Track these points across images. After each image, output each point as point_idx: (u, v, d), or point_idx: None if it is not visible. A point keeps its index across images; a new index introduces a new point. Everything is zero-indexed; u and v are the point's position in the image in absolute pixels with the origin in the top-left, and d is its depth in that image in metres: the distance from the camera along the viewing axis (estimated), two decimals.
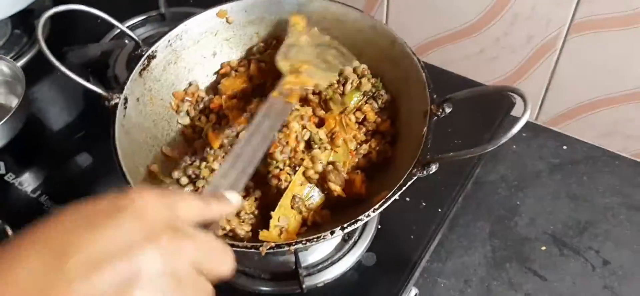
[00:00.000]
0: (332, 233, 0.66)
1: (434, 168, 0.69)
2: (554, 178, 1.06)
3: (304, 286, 0.80)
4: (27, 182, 0.98)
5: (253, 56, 0.93)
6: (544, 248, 0.97)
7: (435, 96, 0.77)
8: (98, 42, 1.15)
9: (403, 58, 0.84)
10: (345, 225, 0.66)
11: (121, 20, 1.18)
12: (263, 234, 0.72)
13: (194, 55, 0.91)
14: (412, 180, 0.69)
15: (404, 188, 0.69)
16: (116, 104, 0.78)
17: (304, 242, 0.65)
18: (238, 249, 0.66)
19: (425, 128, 0.74)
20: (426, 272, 0.94)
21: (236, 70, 0.92)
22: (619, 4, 0.93)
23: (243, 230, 0.75)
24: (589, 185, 1.04)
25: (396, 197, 0.68)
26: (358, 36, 0.89)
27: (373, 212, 0.67)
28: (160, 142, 0.85)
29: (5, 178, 0.98)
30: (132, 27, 1.20)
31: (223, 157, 0.78)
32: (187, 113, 0.88)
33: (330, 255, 0.85)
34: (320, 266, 0.84)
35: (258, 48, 0.93)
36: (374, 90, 0.88)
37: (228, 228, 0.75)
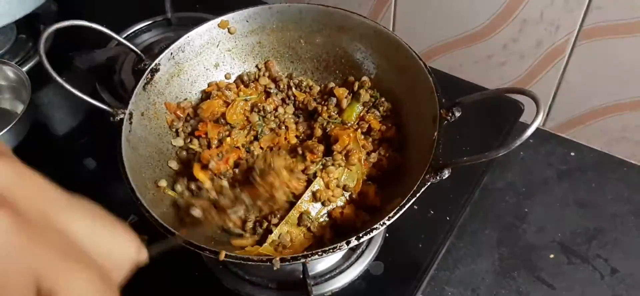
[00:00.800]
0: (348, 243, 0.65)
1: (446, 173, 0.69)
2: (562, 186, 1.05)
3: (311, 295, 0.79)
4: None
5: (243, 83, 0.92)
6: (552, 256, 0.96)
7: (444, 100, 0.76)
8: (105, 47, 1.15)
9: (409, 63, 0.83)
10: (360, 235, 0.66)
11: (127, 25, 1.19)
12: (262, 249, 0.72)
13: (197, 67, 0.91)
14: (426, 186, 0.69)
15: (418, 194, 0.68)
16: (121, 119, 0.77)
17: (319, 254, 0.65)
18: (251, 262, 0.66)
19: (435, 133, 0.73)
20: (433, 280, 0.93)
21: (221, 91, 0.90)
22: (628, 11, 0.92)
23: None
24: (597, 192, 1.03)
25: (410, 203, 0.68)
26: (362, 42, 0.89)
27: (388, 220, 0.67)
28: (166, 156, 0.84)
29: None
30: (138, 32, 1.19)
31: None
32: (177, 133, 0.87)
33: (338, 264, 0.84)
34: (328, 275, 0.83)
35: (249, 76, 0.92)
36: (373, 99, 0.87)
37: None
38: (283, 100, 0.91)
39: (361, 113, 0.87)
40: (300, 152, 0.82)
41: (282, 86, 0.92)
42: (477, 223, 1.00)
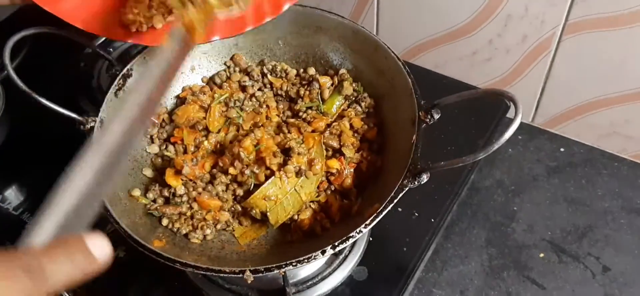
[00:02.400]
0: (323, 252, 0.63)
1: (425, 178, 0.67)
2: (552, 182, 1.03)
3: None
4: (9, 200, 0.95)
5: (216, 85, 0.90)
6: (542, 255, 0.94)
7: (423, 102, 0.74)
8: (82, 51, 1.12)
9: (388, 64, 0.81)
10: (336, 244, 0.63)
11: None
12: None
13: None
14: (404, 192, 0.67)
15: (395, 200, 0.66)
16: (92, 128, 0.75)
17: (294, 264, 0.63)
18: (224, 275, 0.63)
19: (414, 136, 0.71)
20: (421, 283, 0.91)
21: (195, 95, 0.87)
22: (613, 4, 0.90)
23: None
24: (587, 189, 1.01)
25: (388, 210, 0.66)
26: (340, 42, 0.87)
27: (364, 227, 0.64)
28: (140, 164, 0.82)
29: None
30: None
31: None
32: (152, 139, 0.84)
33: (320, 271, 0.82)
34: (310, 282, 0.81)
35: (220, 76, 0.90)
36: (355, 93, 0.85)
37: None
38: (260, 89, 0.89)
39: (342, 107, 0.85)
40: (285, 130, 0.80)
41: (256, 76, 0.89)
42: (465, 222, 0.98)
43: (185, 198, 0.77)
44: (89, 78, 1.09)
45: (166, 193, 0.77)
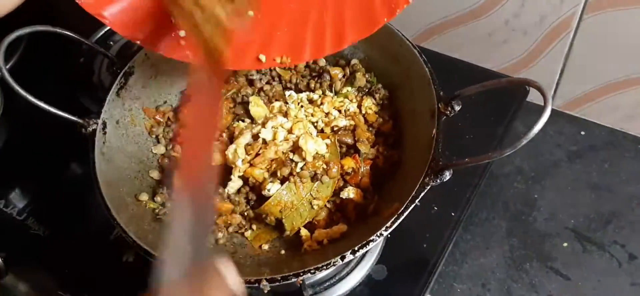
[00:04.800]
0: (343, 258, 0.60)
1: (448, 175, 0.63)
2: (573, 168, 0.99)
3: None
4: (13, 204, 0.92)
5: None
6: (565, 244, 0.90)
7: (442, 93, 0.70)
8: (81, 47, 1.08)
9: (403, 51, 0.77)
10: (356, 248, 0.60)
11: (101, 25, 1.12)
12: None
13: (176, 66, 0.84)
14: (426, 190, 0.63)
15: (417, 200, 0.63)
16: (94, 130, 0.71)
17: (312, 271, 0.60)
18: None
19: (434, 130, 0.67)
20: (441, 277, 0.88)
21: None
22: None
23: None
24: (610, 173, 0.98)
25: (410, 210, 0.62)
26: None
27: (385, 230, 0.61)
28: (146, 166, 0.79)
29: None
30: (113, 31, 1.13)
31: None
32: (158, 139, 0.81)
33: (337, 271, 0.79)
34: (327, 283, 0.78)
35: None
36: (369, 85, 0.81)
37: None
38: (268, 83, 0.85)
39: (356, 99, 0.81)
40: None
41: (263, 69, 0.85)
42: (485, 212, 0.95)
43: None
44: (89, 74, 1.05)
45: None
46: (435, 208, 0.84)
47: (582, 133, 1.04)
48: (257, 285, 0.60)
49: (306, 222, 0.71)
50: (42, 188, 0.95)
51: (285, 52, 0.73)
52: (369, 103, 0.80)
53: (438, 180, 0.63)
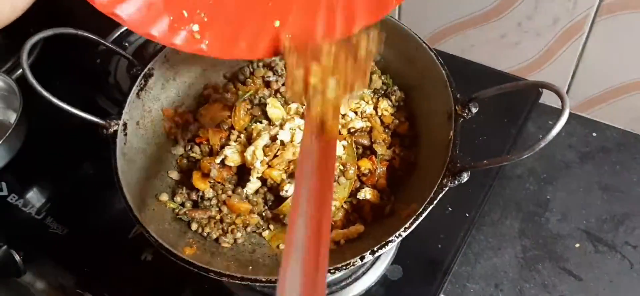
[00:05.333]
0: (362, 258, 0.61)
1: (465, 177, 0.64)
2: (585, 169, 1.00)
3: None
4: (31, 203, 0.93)
5: (239, 82, 0.87)
6: (577, 245, 0.91)
7: (459, 95, 0.71)
8: (97, 49, 1.09)
9: (419, 54, 0.78)
10: (375, 248, 0.61)
11: (119, 24, 1.13)
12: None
13: (193, 67, 0.85)
14: (444, 192, 0.64)
15: (435, 202, 0.63)
16: (115, 131, 0.72)
17: (332, 271, 0.61)
18: (263, 284, 0.61)
19: (451, 133, 0.68)
20: (454, 277, 0.89)
21: (219, 93, 0.85)
22: None
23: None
24: (622, 174, 0.98)
25: (428, 212, 0.63)
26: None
27: (404, 231, 0.62)
28: (166, 166, 0.80)
29: (8, 199, 0.93)
30: (130, 31, 1.14)
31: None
32: (176, 141, 0.82)
33: (353, 271, 0.80)
34: (343, 283, 0.79)
35: (244, 73, 0.87)
36: (385, 87, 0.82)
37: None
38: (284, 84, 0.86)
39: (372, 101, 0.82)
40: None
41: (280, 70, 0.86)
42: (498, 213, 0.95)
43: (214, 201, 0.74)
44: (105, 75, 1.06)
45: (194, 197, 0.75)
46: (450, 209, 0.85)
47: (594, 134, 1.04)
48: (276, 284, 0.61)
49: None
50: (61, 187, 0.97)
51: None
52: (385, 105, 0.81)
53: (456, 182, 0.64)
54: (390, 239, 0.61)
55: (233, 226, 0.74)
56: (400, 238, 0.62)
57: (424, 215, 0.63)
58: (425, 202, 0.63)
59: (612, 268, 0.88)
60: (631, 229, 0.92)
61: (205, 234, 0.73)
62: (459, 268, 0.89)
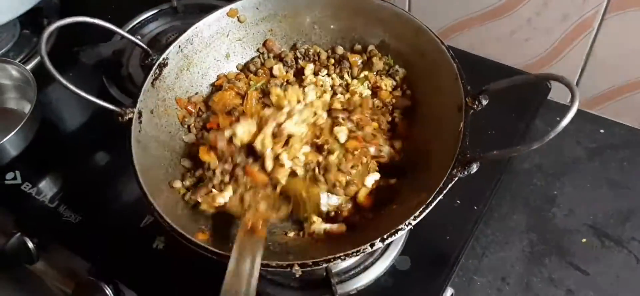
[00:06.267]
0: (372, 245, 0.62)
1: (475, 167, 0.65)
2: (593, 165, 1.00)
3: (336, 294, 0.76)
4: (44, 191, 0.94)
5: (251, 72, 0.88)
6: (584, 240, 0.92)
7: (469, 87, 0.72)
8: (110, 40, 1.11)
9: (431, 47, 0.79)
10: (385, 236, 0.62)
11: (133, 15, 1.15)
12: None
13: (207, 58, 0.87)
14: (453, 182, 0.65)
15: (444, 191, 0.64)
16: (130, 119, 0.74)
17: (342, 257, 0.61)
18: (274, 269, 0.62)
19: (461, 124, 0.69)
20: (461, 270, 0.90)
21: (231, 83, 0.86)
22: None
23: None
24: (629, 171, 0.99)
25: (437, 201, 0.64)
26: (379, 27, 0.84)
27: (413, 219, 0.63)
28: (179, 154, 0.81)
29: (22, 188, 0.95)
30: (144, 22, 1.15)
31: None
32: (189, 129, 0.83)
33: (362, 261, 0.81)
34: (353, 272, 0.80)
35: (255, 63, 0.88)
36: (386, 67, 0.83)
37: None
38: (294, 75, 0.88)
39: (375, 82, 0.84)
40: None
41: (289, 61, 0.88)
42: (505, 207, 0.96)
43: (226, 167, 0.75)
44: (117, 66, 1.08)
45: (199, 174, 0.76)
46: (458, 202, 0.86)
47: (602, 131, 1.05)
48: (289, 269, 0.62)
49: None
50: (74, 176, 0.98)
51: None
52: (387, 82, 0.82)
53: (465, 172, 0.65)
54: (400, 227, 0.62)
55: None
56: (410, 227, 0.63)
57: (433, 204, 0.64)
58: (435, 192, 0.64)
59: (618, 263, 0.89)
60: (637, 225, 0.92)
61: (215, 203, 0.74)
62: (466, 261, 0.90)
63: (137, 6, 1.17)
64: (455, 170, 0.65)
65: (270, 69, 0.87)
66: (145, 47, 0.81)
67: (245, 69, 0.88)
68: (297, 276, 0.63)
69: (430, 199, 0.64)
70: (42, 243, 0.92)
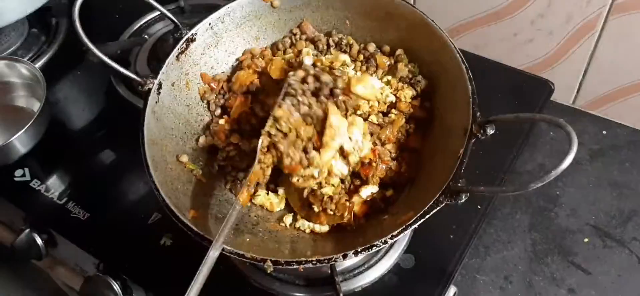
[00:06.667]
0: (345, 256, 0.63)
1: (464, 198, 0.63)
2: (595, 166, 1.01)
3: (340, 292, 0.77)
4: (53, 188, 0.96)
5: (279, 50, 0.88)
6: (586, 240, 0.93)
7: (478, 114, 0.69)
8: (117, 39, 1.12)
9: (452, 65, 0.76)
10: (359, 250, 0.63)
11: (139, 16, 1.16)
12: None
13: (236, 39, 0.87)
14: (438, 208, 0.64)
15: (427, 216, 0.64)
16: (149, 90, 0.75)
17: (344, 256, 0.62)
18: (277, 266, 0.63)
19: (461, 150, 0.67)
20: (465, 269, 0.91)
21: (254, 59, 0.86)
22: None
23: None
24: (631, 172, 1.00)
25: (418, 224, 0.64)
26: (406, 33, 0.83)
27: (391, 238, 0.63)
28: (193, 128, 0.82)
29: (31, 185, 0.96)
30: (151, 22, 1.17)
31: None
32: (208, 105, 0.85)
33: (366, 259, 0.82)
34: (356, 270, 0.81)
35: (284, 43, 0.88)
36: (410, 75, 0.82)
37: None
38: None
39: (396, 88, 0.83)
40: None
41: (321, 47, 0.87)
42: (508, 207, 0.97)
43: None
44: (125, 65, 1.08)
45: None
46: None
47: (604, 132, 1.06)
48: (294, 265, 0.63)
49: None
50: (82, 173, 0.99)
51: None
52: (408, 93, 0.81)
53: (453, 201, 0.64)
54: (375, 243, 0.63)
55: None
56: (385, 245, 0.63)
57: (414, 227, 0.63)
58: (418, 215, 0.64)
59: (620, 262, 0.90)
60: (639, 225, 0.93)
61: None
62: (469, 260, 0.91)
63: (144, 6, 1.18)
64: (442, 197, 0.64)
65: (299, 51, 0.87)
66: (175, 20, 0.83)
67: (273, 47, 0.89)
68: (300, 271, 0.64)
69: (411, 222, 0.63)
70: (50, 240, 0.93)
